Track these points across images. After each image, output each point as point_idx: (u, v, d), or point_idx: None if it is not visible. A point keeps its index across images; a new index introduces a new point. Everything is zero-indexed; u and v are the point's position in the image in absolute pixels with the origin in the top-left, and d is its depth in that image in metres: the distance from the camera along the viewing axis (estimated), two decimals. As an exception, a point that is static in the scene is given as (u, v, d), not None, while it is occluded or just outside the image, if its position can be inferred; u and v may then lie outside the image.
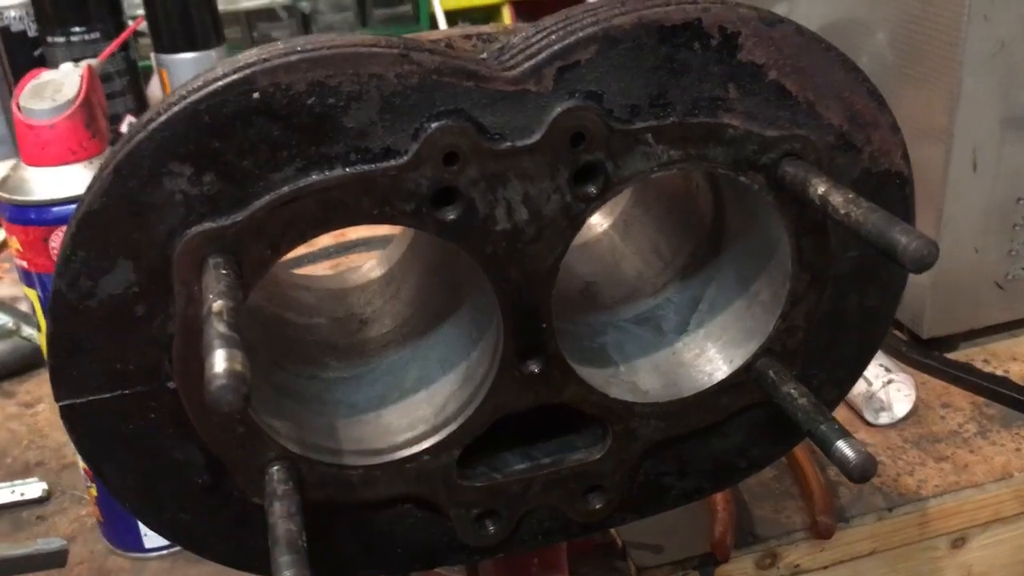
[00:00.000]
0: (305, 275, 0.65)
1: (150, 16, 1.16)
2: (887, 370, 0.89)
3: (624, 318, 0.59)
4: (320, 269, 1.20)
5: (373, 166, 0.42)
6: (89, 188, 0.40)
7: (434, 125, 0.42)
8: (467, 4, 2.91)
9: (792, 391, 0.49)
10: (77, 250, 0.40)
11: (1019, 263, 0.95)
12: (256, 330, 0.54)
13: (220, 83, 0.39)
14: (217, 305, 0.36)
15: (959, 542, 0.84)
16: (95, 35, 1.14)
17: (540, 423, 0.53)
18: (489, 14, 3.03)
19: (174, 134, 0.39)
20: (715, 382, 0.51)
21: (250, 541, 0.48)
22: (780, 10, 0.46)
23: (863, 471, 0.44)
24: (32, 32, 1.23)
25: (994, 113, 0.88)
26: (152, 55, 1.18)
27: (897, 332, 1.02)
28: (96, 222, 0.40)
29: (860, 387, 0.90)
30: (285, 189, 0.41)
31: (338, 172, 0.41)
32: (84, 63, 0.71)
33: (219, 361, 0.33)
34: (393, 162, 0.42)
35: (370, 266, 0.64)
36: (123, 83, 1.23)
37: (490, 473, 0.51)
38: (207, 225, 0.41)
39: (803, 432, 0.47)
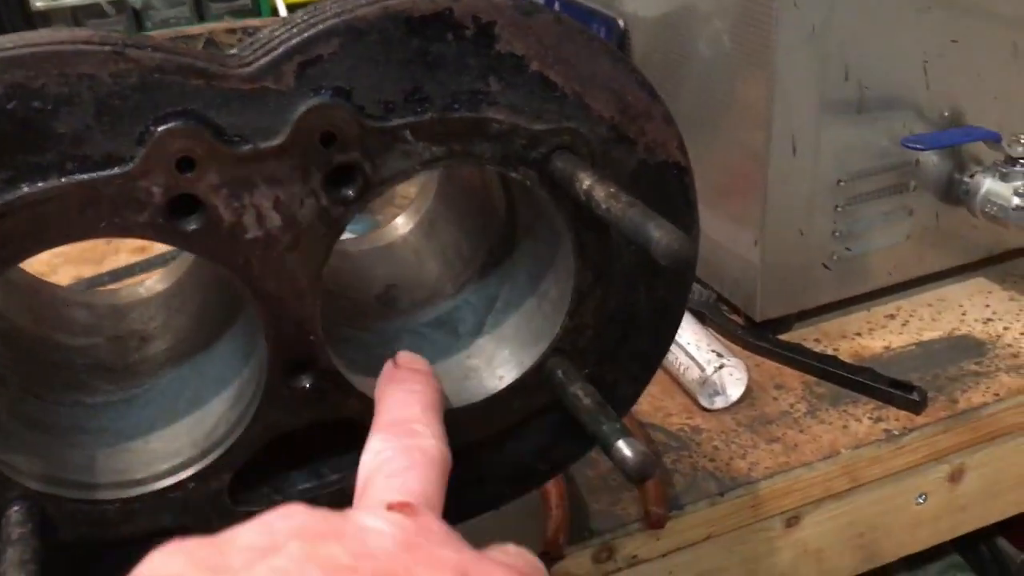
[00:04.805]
0: (85, 292, 0.60)
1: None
2: (719, 355, 0.90)
3: (422, 322, 0.56)
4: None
5: (94, 175, 0.38)
6: None
7: (161, 128, 0.38)
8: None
9: (578, 391, 0.47)
10: None
11: (843, 244, 0.97)
12: (9, 356, 0.49)
13: None
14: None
15: (793, 521, 0.86)
16: None
17: (337, 439, 0.50)
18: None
19: None
20: (505, 385, 0.50)
21: (-4, 590, 0.43)
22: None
23: (640, 471, 0.43)
24: None
25: (810, 97, 0.90)
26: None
27: (734, 316, 1.03)
28: None
29: (694, 373, 0.90)
30: (-10, 204, 0.37)
31: (53, 183, 0.38)
32: None
33: None
34: (117, 170, 0.38)
35: (157, 278, 0.60)
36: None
37: (271, 495, 0.48)
38: (-101, 250, 0.36)
39: (588, 433, 0.46)
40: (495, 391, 0.50)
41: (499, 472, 0.52)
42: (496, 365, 0.51)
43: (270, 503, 0.47)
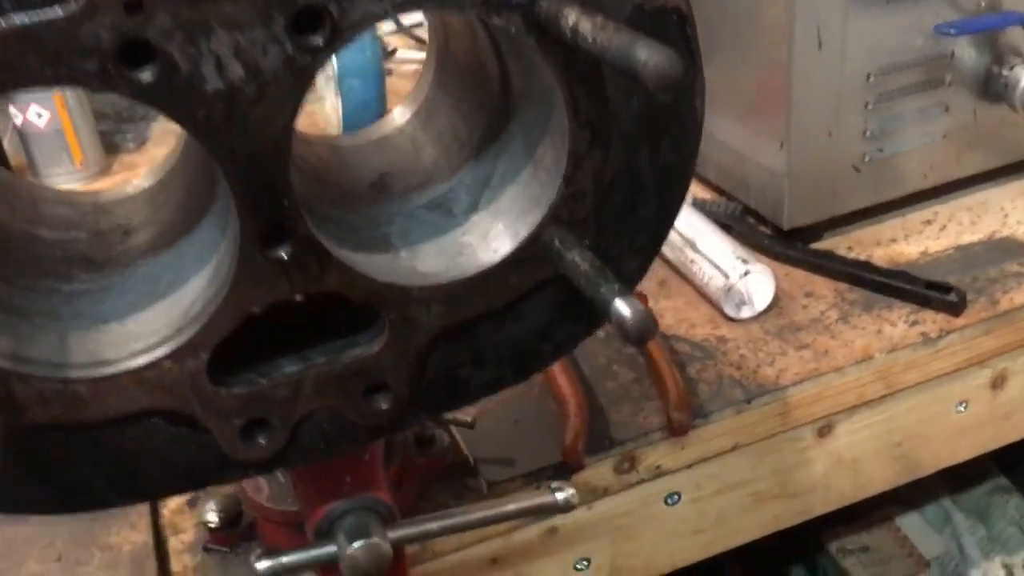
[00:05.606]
0: (70, 191, 0.58)
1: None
2: (744, 262, 0.86)
3: (416, 204, 0.53)
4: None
5: (35, 17, 0.35)
6: None
7: (103, -37, 0.35)
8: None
9: (576, 258, 0.44)
10: None
11: (875, 144, 0.93)
12: (-18, 245, 0.47)
13: None
14: None
15: (825, 430, 0.82)
16: None
17: (330, 326, 0.48)
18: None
19: None
20: (500, 258, 0.47)
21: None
22: None
23: (640, 330, 0.39)
24: None
25: (835, -15, 0.84)
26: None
27: (762, 227, 0.99)
28: None
29: (718, 282, 0.87)
30: (-78, 51, 0.34)
31: (-9, 25, 0.35)
32: None
33: None
34: (60, 11, 0.35)
35: (144, 176, 0.58)
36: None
37: (255, 378, 0.45)
38: None
39: (587, 299, 0.43)
40: (490, 264, 0.46)
41: (500, 353, 0.49)
42: (491, 239, 0.48)
43: (252, 386, 0.45)
